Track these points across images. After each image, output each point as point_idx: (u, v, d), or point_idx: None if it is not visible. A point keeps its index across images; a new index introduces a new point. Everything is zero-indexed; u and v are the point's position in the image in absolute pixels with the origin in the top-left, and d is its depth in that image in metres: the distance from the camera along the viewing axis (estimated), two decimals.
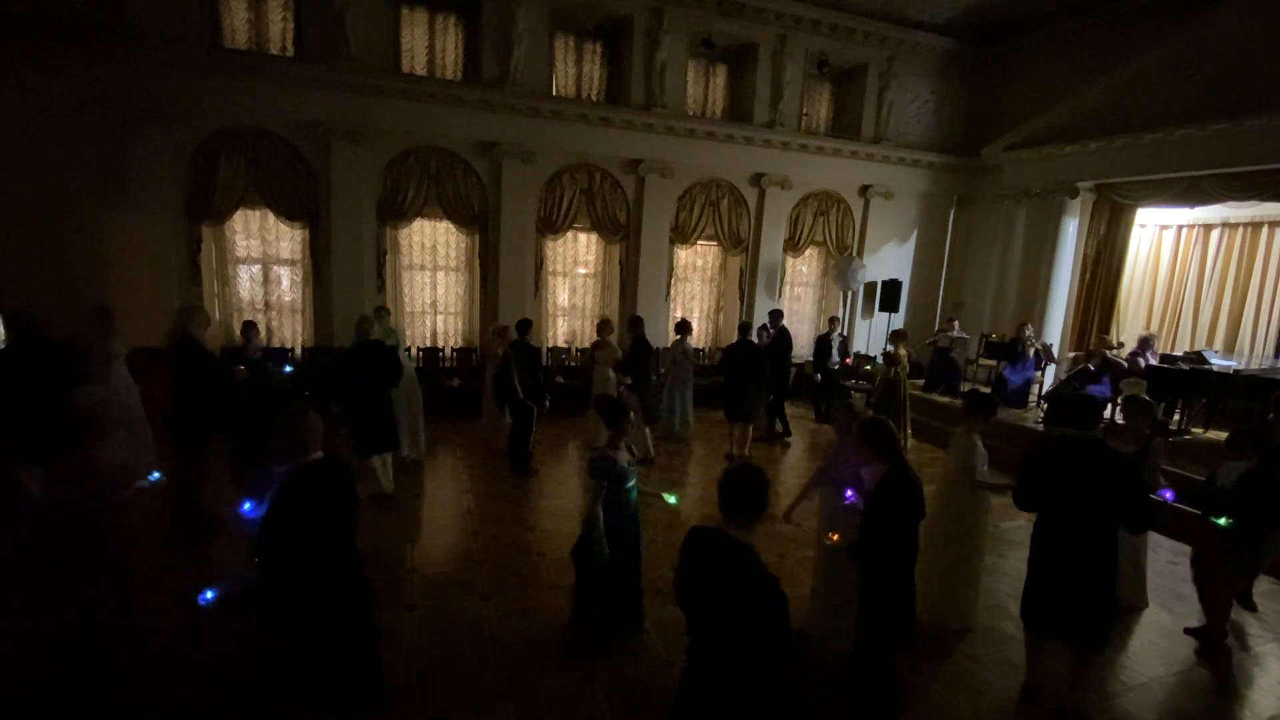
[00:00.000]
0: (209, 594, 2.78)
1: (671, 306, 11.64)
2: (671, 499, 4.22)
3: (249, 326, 7.24)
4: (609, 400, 4.32)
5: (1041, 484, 3.54)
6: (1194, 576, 4.76)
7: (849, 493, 3.86)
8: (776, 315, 9.27)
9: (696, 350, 10.29)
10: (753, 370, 8.09)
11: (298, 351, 9.44)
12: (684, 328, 8.94)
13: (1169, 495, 4.54)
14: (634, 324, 8.43)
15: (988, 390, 9.96)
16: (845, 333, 11.37)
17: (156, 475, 3.45)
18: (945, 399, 10.34)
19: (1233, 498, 4.22)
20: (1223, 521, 4.18)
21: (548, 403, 7.69)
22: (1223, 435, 7.77)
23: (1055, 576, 3.52)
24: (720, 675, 2.26)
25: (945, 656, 4.25)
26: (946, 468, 4.65)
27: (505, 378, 7.25)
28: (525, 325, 8.11)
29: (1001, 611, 4.85)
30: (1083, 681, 3.71)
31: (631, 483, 4.04)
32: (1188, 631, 4.66)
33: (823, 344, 10.41)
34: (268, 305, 9.48)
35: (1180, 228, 11.24)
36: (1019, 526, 6.15)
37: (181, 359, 5.43)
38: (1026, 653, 3.88)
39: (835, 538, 3.73)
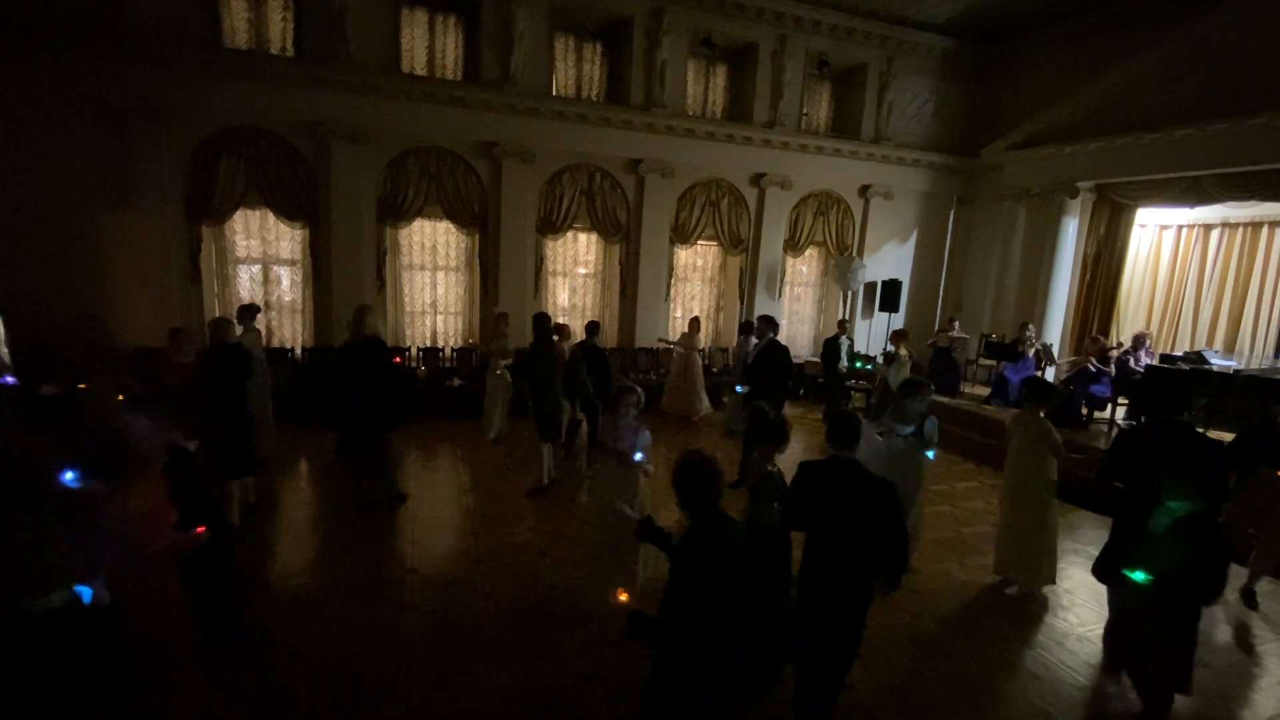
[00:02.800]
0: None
1: (671, 306, 11.64)
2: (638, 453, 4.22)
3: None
4: (763, 417, 4.07)
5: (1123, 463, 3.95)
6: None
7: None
8: (766, 322, 7.42)
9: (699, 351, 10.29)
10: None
11: (298, 352, 9.45)
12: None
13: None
14: (588, 329, 8.02)
15: (1051, 383, 10.05)
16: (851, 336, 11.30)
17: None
18: (945, 399, 10.33)
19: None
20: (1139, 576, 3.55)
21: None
22: (1223, 436, 7.78)
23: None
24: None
25: (945, 656, 4.25)
26: (1019, 446, 5.07)
27: (575, 375, 7.09)
28: (594, 327, 7.93)
29: (1002, 611, 4.86)
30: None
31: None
32: None
33: (831, 347, 10.26)
34: (268, 305, 9.47)
35: (1180, 228, 11.24)
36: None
37: (371, 357, 5.73)
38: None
39: (625, 597, 3.63)
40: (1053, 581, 5.07)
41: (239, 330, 6.40)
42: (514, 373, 8.00)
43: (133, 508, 3.26)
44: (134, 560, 2.92)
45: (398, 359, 7.18)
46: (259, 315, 7.28)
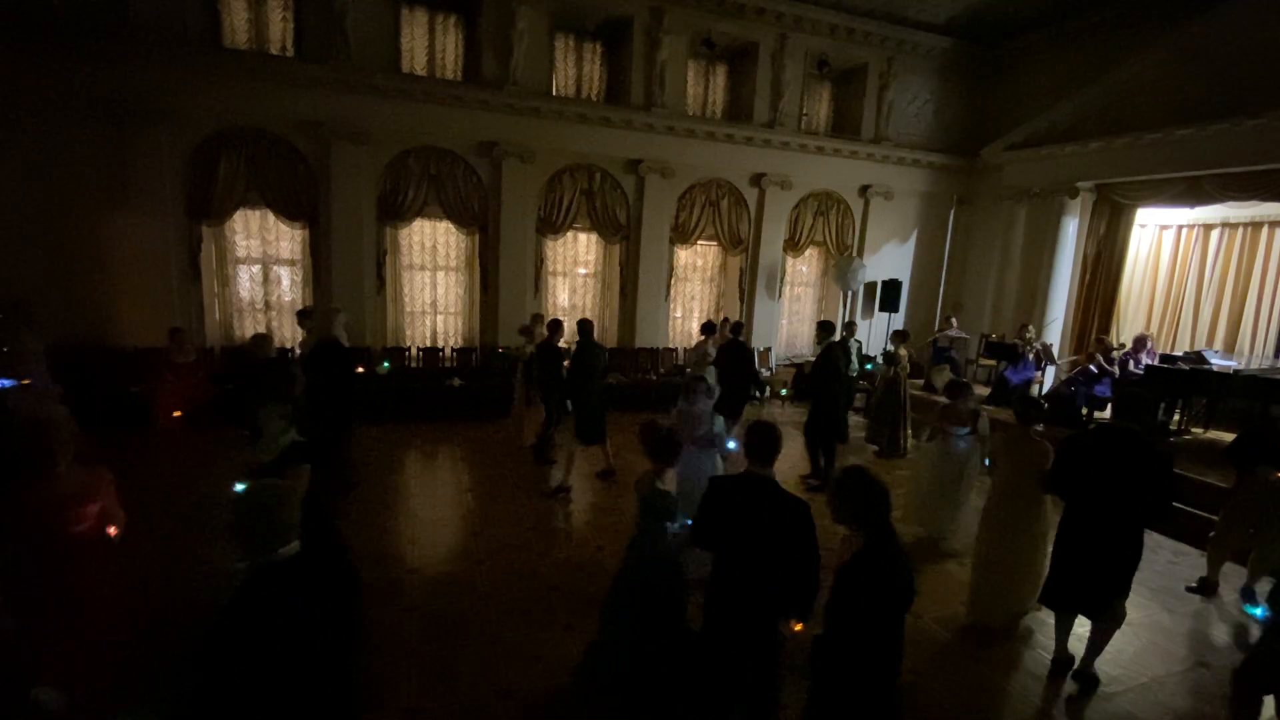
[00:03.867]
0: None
1: (671, 306, 11.64)
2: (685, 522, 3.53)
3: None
4: (654, 430, 3.66)
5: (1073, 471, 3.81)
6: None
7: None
8: (729, 327, 8.34)
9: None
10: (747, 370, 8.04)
11: (298, 352, 9.43)
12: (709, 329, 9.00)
13: (1261, 613, 3.90)
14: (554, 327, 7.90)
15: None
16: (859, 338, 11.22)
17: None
18: (945, 399, 10.33)
19: None
20: None
21: (569, 405, 7.54)
22: (1223, 436, 7.79)
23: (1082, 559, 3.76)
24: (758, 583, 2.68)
25: (945, 656, 4.25)
26: (1006, 472, 4.59)
27: (554, 372, 7.13)
28: (556, 325, 7.70)
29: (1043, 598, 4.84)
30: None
31: (677, 524, 3.52)
32: None
33: (842, 348, 10.13)
34: (268, 305, 9.48)
35: (1180, 228, 11.24)
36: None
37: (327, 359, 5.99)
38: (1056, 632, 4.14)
39: (798, 627, 2.90)
40: (1035, 599, 4.39)
41: (301, 333, 7.01)
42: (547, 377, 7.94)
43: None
44: None
45: (360, 368, 7.42)
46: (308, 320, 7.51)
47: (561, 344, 7.48)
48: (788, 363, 12.16)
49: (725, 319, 10.14)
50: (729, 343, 8.17)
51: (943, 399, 10.21)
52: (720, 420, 4.83)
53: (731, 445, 4.68)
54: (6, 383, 5.77)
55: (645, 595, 3.44)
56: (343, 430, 6.25)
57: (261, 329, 9.44)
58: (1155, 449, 3.69)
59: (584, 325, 7.13)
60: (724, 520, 2.85)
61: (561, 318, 10.75)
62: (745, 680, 2.86)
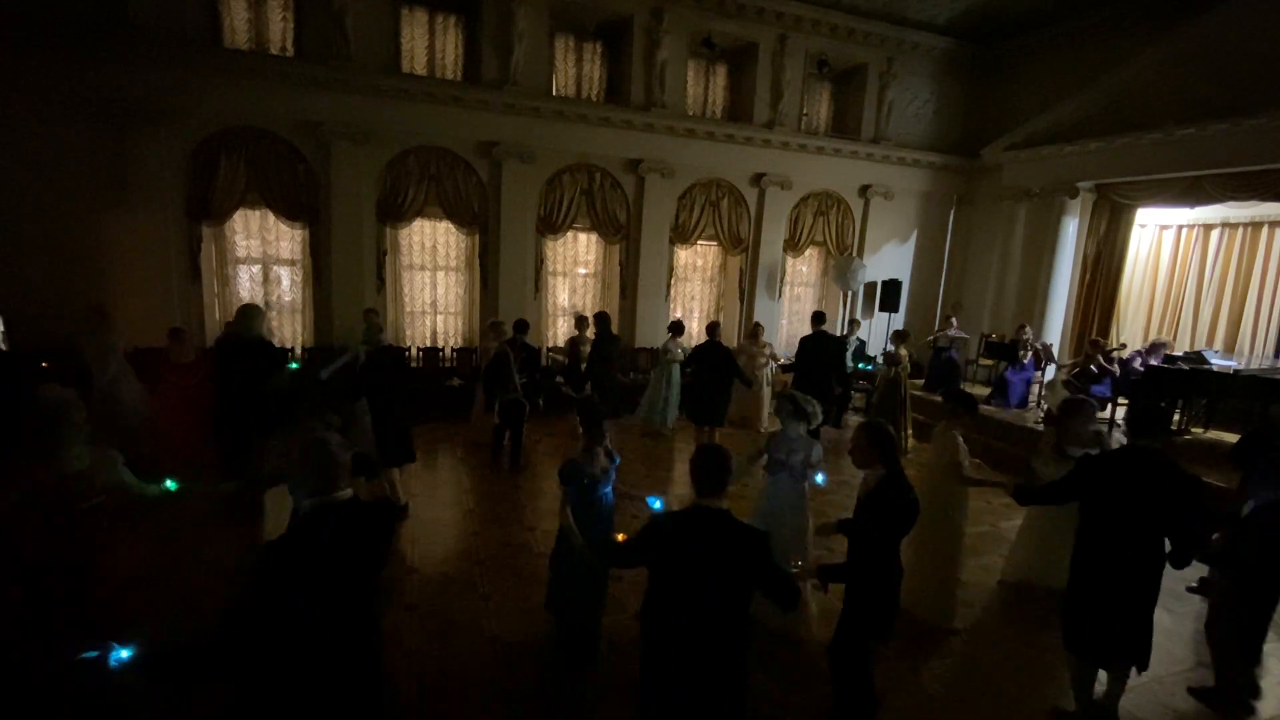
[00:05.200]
0: (123, 652, 2.28)
1: (671, 306, 11.64)
2: (657, 503, 3.83)
3: None
4: (585, 404, 4.11)
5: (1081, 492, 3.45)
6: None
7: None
8: (595, 319, 8.44)
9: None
10: (724, 371, 7.94)
11: (298, 351, 9.44)
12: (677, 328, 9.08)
13: None
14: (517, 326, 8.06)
15: (987, 389, 9.98)
16: (862, 336, 11.22)
17: (172, 484, 3.36)
18: (1045, 423, 10.25)
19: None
20: None
21: (541, 402, 7.65)
22: (1223, 436, 7.79)
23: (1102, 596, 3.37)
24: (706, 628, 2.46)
25: (945, 656, 4.25)
26: (928, 465, 4.77)
27: (500, 374, 7.20)
28: (523, 325, 8.00)
29: (1001, 612, 4.85)
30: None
31: (606, 489, 3.91)
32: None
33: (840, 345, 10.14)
34: (268, 305, 9.47)
35: (1180, 228, 11.24)
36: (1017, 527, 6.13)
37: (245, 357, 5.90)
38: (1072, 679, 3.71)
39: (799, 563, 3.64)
40: (952, 625, 4.56)
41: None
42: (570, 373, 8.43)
43: None
44: None
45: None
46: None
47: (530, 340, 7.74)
48: (787, 361, 12.14)
49: (757, 324, 10.14)
50: (705, 343, 8.01)
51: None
52: (819, 448, 4.39)
53: (820, 480, 4.33)
54: None
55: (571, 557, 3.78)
56: (255, 436, 5.39)
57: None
58: (1184, 473, 3.31)
59: (602, 318, 7.57)
60: (668, 566, 2.50)
61: (561, 318, 10.79)
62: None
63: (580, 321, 9.50)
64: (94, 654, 2.29)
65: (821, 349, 8.05)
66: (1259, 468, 4.45)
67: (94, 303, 7.05)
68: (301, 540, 2.25)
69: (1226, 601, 3.90)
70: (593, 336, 8.58)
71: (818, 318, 8.47)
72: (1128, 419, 3.66)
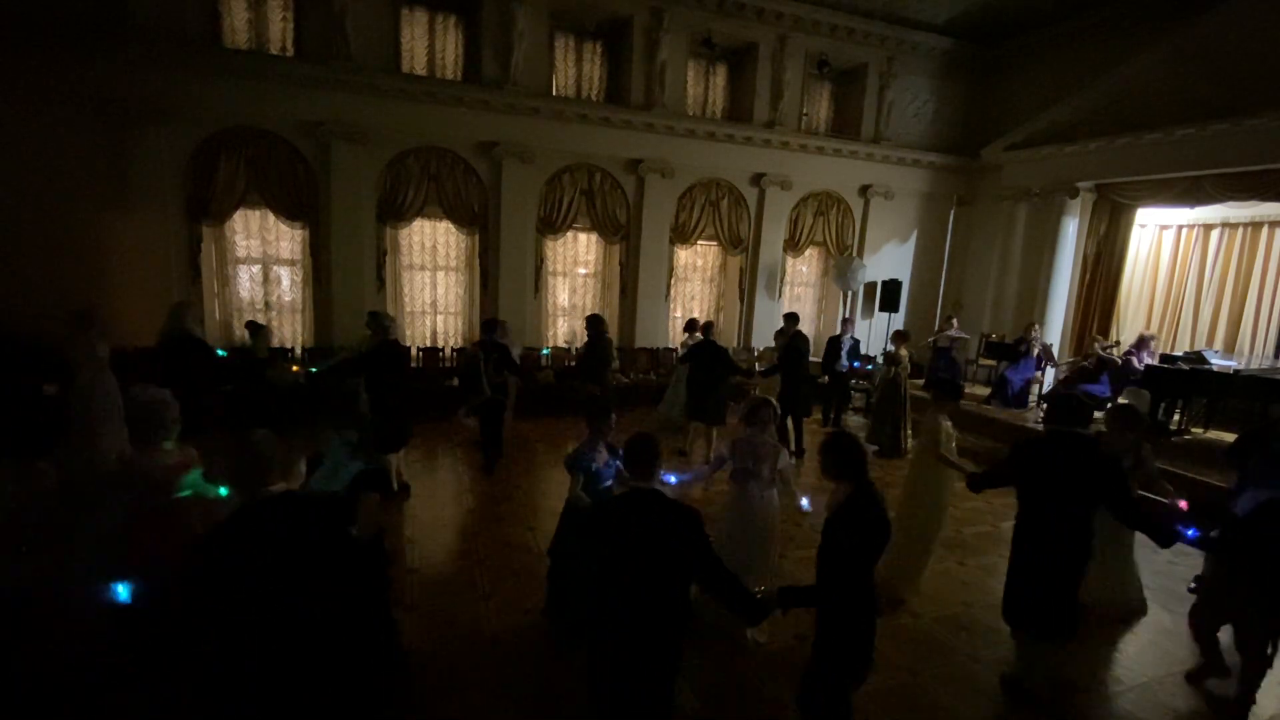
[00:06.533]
0: (121, 589, 2.54)
1: (671, 306, 11.64)
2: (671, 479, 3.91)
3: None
4: (591, 399, 4.32)
5: (1016, 474, 3.75)
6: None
7: (804, 501, 4.12)
8: (588, 322, 8.34)
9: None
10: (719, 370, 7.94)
11: (298, 351, 9.44)
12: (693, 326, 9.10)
13: (1193, 533, 3.66)
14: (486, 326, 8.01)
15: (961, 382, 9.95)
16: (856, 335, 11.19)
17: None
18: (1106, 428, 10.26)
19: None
20: None
21: (510, 398, 7.61)
22: (1223, 435, 7.79)
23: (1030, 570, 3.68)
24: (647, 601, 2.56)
25: (945, 656, 4.25)
26: (916, 448, 5.12)
27: (470, 377, 7.21)
28: (491, 325, 7.73)
29: (1001, 611, 4.84)
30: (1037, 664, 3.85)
31: (608, 483, 4.01)
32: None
33: (833, 346, 9.92)
34: (268, 305, 9.47)
35: (1180, 228, 11.24)
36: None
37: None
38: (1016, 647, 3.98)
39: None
40: (905, 597, 4.84)
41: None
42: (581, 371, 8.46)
43: None
44: None
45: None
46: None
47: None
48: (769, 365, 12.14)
49: (788, 324, 9.68)
50: (700, 343, 8.02)
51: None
52: (785, 455, 4.34)
53: (805, 504, 4.09)
54: None
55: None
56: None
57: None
58: (1105, 455, 3.58)
59: (594, 320, 7.60)
60: (609, 540, 2.66)
61: (561, 318, 10.76)
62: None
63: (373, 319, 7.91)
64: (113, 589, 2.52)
65: (708, 357, 7.92)
66: (1252, 466, 4.45)
67: (77, 306, 6.91)
68: (224, 537, 2.22)
69: (1214, 594, 3.98)
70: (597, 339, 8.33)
71: (707, 328, 8.37)
72: (1050, 408, 4.01)
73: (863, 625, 2.83)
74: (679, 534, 2.60)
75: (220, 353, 7.36)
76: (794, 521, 4.55)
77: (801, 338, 8.56)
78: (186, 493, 3.24)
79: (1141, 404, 7.79)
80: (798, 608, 2.97)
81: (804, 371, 8.29)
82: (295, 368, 7.24)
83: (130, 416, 3.24)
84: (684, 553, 2.60)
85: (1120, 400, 7.49)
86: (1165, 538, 3.48)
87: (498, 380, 7.28)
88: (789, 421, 8.06)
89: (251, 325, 7.78)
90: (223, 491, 3.33)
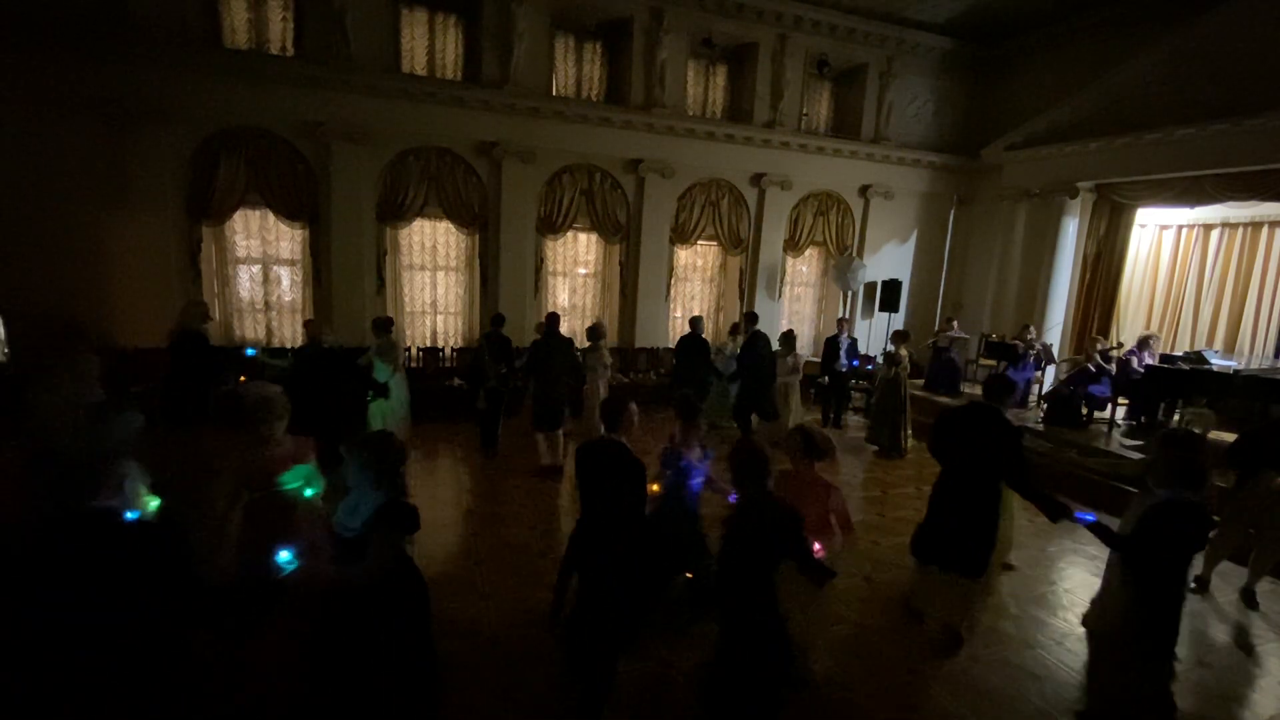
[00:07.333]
0: (153, 503, 2.75)
1: (671, 306, 11.64)
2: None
3: None
4: (682, 399, 4.45)
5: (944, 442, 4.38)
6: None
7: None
8: (499, 319, 8.14)
9: None
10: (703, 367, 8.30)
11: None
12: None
13: (1090, 518, 3.55)
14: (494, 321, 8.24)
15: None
16: (854, 335, 11.16)
17: None
18: (946, 399, 10.33)
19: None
20: None
21: (511, 388, 7.96)
22: (1223, 436, 7.78)
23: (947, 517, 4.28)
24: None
25: (945, 656, 4.25)
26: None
27: (477, 366, 7.73)
28: (499, 319, 8.09)
29: (1001, 611, 4.85)
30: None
31: (698, 478, 4.14)
32: None
33: (831, 346, 9.91)
34: (268, 305, 9.48)
35: (1180, 228, 11.24)
36: (1018, 526, 6.14)
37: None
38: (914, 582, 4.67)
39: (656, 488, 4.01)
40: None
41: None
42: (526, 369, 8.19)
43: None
44: None
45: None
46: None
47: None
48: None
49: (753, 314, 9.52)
50: (685, 337, 8.31)
51: (943, 399, 10.24)
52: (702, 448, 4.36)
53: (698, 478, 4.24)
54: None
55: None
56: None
57: (261, 329, 9.46)
58: (1008, 424, 4.20)
59: (551, 318, 7.44)
60: (584, 474, 3.63)
61: (561, 318, 10.76)
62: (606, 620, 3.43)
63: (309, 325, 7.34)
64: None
65: (691, 350, 8.28)
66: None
67: (66, 320, 6.89)
68: (32, 553, 2.28)
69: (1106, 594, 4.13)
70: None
71: (695, 321, 8.53)
72: (984, 384, 4.46)
73: (767, 625, 2.83)
74: (630, 475, 3.52)
75: (249, 351, 7.51)
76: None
77: (761, 337, 8.22)
78: (297, 484, 3.42)
79: (1205, 425, 6.82)
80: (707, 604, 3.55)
81: (765, 371, 8.16)
82: (243, 378, 6.88)
83: (244, 411, 3.45)
84: (633, 489, 3.52)
85: (1193, 424, 6.70)
86: (1053, 512, 3.80)
87: (500, 371, 7.60)
88: (741, 425, 8.22)
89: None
90: (308, 492, 3.48)
